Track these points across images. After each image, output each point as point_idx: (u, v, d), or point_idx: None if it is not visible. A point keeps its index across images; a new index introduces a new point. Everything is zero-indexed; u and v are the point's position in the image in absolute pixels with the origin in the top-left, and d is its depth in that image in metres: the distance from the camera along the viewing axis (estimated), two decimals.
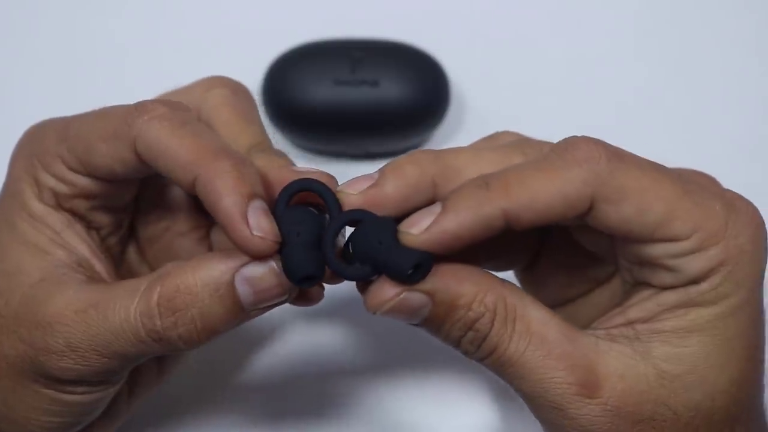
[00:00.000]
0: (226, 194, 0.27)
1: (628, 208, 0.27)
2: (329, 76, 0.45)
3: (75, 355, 0.29)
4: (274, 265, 0.27)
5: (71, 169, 0.31)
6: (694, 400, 0.28)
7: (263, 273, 0.28)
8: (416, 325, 0.29)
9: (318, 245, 0.28)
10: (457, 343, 0.29)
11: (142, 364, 0.32)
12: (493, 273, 0.29)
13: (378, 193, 0.28)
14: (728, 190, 0.29)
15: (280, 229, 0.27)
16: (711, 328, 0.28)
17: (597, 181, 0.27)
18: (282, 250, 0.27)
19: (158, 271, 0.29)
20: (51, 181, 0.31)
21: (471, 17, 0.52)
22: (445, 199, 0.28)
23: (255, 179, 0.28)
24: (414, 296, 0.27)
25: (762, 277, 0.28)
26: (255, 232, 0.27)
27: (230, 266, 0.28)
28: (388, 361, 0.41)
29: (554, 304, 0.33)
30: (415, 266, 0.27)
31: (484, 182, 0.27)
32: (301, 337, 0.42)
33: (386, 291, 0.27)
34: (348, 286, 0.30)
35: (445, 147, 0.30)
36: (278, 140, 0.47)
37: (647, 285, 0.29)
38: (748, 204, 0.28)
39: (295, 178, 0.29)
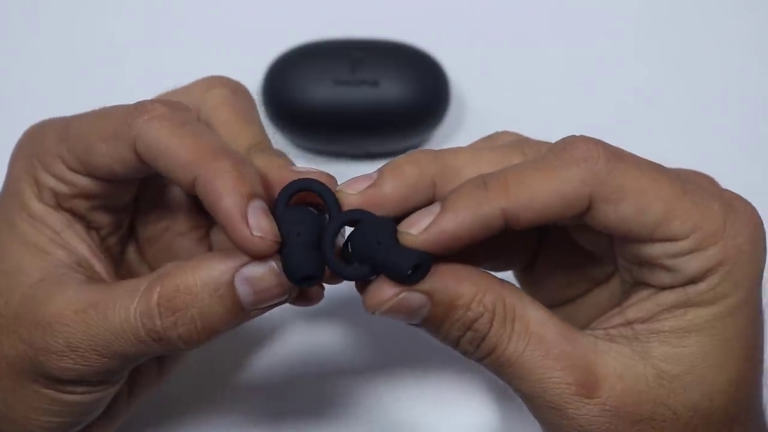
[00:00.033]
0: (226, 194, 0.27)
1: (626, 207, 0.27)
2: (329, 76, 0.45)
3: (75, 355, 0.29)
4: (274, 265, 0.28)
5: (71, 169, 0.31)
6: (693, 400, 0.28)
7: (263, 273, 0.28)
8: (415, 325, 0.29)
9: (318, 245, 0.28)
10: (456, 343, 0.29)
11: (142, 364, 0.32)
12: (492, 273, 0.29)
13: (377, 193, 0.28)
14: (727, 191, 0.29)
15: (279, 229, 0.27)
16: (709, 328, 0.28)
17: (595, 180, 0.27)
18: (282, 250, 0.27)
19: (158, 271, 0.29)
20: (51, 181, 0.31)
21: (471, 17, 0.52)
22: (444, 199, 0.28)
23: (255, 179, 0.28)
24: (413, 296, 0.27)
25: (760, 277, 0.28)
26: (255, 232, 0.27)
27: (230, 266, 0.28)
28: (387, 360, 0.41)
29: (553, 305, 0.34)
30: (414, 266, 0.27)
31: (482, 182, 0.27)
32: (300, 337, 0.42)
33: (385, 291, 0.27)
34: (347, 286, 0.30)
35: (445, 147, 0.30)
36: (278, 140, 0.47)
37: (646, 285, 0.29)
38: (747, 204, 0.28)
39: (295, 178, 0.29)
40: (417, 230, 0.27)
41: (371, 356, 0.42)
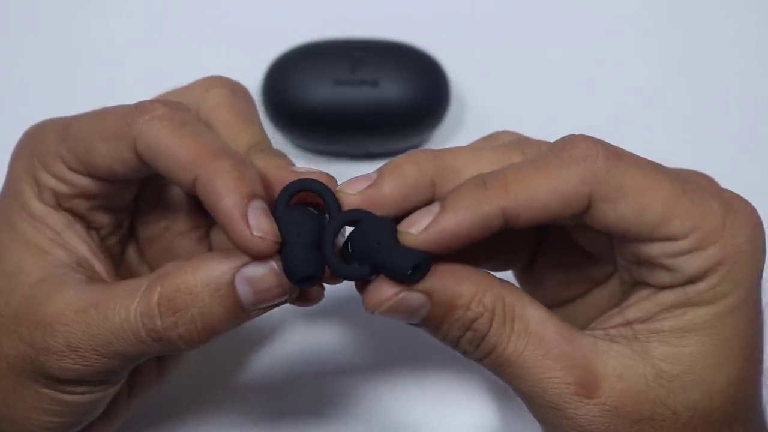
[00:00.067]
0: (226, 194, 0.27)
1: (626, 207, 0.27)
2: (329, 76, 0.45)
3: (75, 355, 0.29)
4: (274, 265, 0.28)
5: (71, 169, 0.31)
6: (693, 400, 0.28)
7: (263, 273, 0.28)
8: (415, 324, 0.29)
9: (318, 245, 0.28)
10: (455, 343, 0.29)
11: (142, 364, 0.32)
12: (492, 273, 0.29)
13: (376, 193, 0.28)
14: (726, 190, 0.29)
15: (280, 229, 0.27)
16: (709, 328, 0.28)
17: (595, 179, 0.27)
18: (282, 251, 0.27)
19: (158, 271, 0.29)
20: (51, 181, 0.31)
21: (471, 17, 0.52)
22: (443, 198, 0.28)
23: (255, 179, 0.28)
24: (412, 296, 0.27)
25: (760, 276, 0.28)
26: (255, 233, 0.27)
27: (231, 266, 0.28)
28: (386, 360, 0.41)
29: (553, 305, 0.34)
30: (414, 266, 0.27)
31: (482, 181, 0.27)
32: (300, 336, 0.42)
33: (384, 290, 0.27)
34: (347, 286, 0.30)
35: (444, 147, 0.30)
36: (278, 140, 0.47)
37: (645, 285, 0.29)
38: (746, 204, 0.28)
39: (295, 178, 0.29)
40: (417, 230, 0.27)
41: (371, 356, 0.42)
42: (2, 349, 0.30)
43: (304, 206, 0.29)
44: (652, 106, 0.49)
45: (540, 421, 0.29)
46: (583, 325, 0.30)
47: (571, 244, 0.32)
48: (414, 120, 0.46)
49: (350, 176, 0.29)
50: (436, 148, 0.30)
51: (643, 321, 0.29)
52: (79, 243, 0.32)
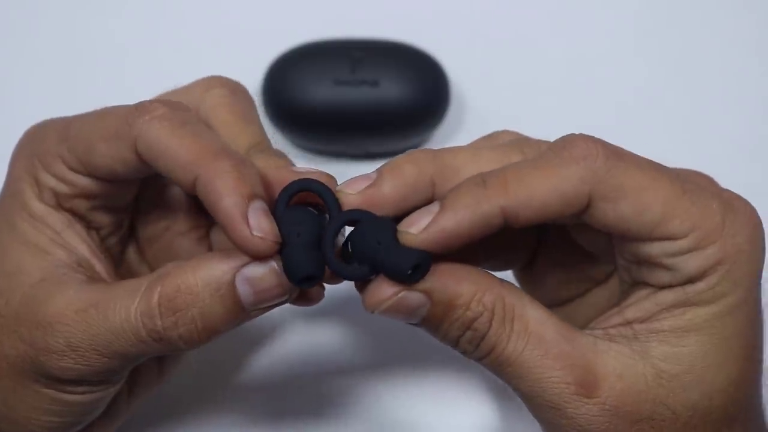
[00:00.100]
0: (227, 194, 0.27)
1: (625, 206, 0.27)
2: (329, 76, 0.45)
3: (75, 355, 0.29)
4: (274, 265, 0.28)
5: (72, 169, 0.31)
6: (692, 400, 0.28)
7: (264, 273, 0.28)
8: (415, 324, 0.29)
9: (318, 245, 0.28)
10: (455, 343, 0.29)
11: (142, 364, 0.32)
12: (492, 273, 0.29)
13: (376, 192, 0.28)
14: (726, 190, 0.29)
15: (280, 229, 0.27)
16: (708, 328, 0.28)
17: (594, 178, 0.27)
18: (282, 251, 0.27)
19: (158, 271, 0.29)
20: (51, 181, 0.31)
21: (471, 17, 0.52)
22: (443, 197, 0.28)
23: (255, 180, 0.28)
24: (412, 295, 0.27)
25: (759, 276, 0.28)
26: (255, 233, 0.27)
27: (231, 266, 0.28)
28: (386, 360, 0.41)
29: (552, 304, 0.34)
30: (414, 266, 0.27)
31: (481, 180, 0.27)
32: (300, 336, 0.42)
33: (384, 290, 0.27)
34: (347, 286, 0.30)
35: (444, 147, 0.30)
36: (278, 140, 0.47)
37: (645, 284, 0.29)
38: (746, 203, 0.28)
39: (295, 178, 0.29)
40: (417, 229, 0.27)
41: (371, 356, 0.42)
42: (2, 349, 0.30)
43: (304, 206, 0.29)
44: (652, 106, 0.49)
45: (540, 421, 0.29)
46: (583, 325, 0.30)
47: (570, 243, 0.32)
48: (414, 120, 0.46)
49: (350, 176, 0.29)
50: (435, 148, 0.30)
51: (642, 321, 0.29)
52: (80, 243, 0.32)
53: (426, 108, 0.46)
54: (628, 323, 0.29)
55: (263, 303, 0.28)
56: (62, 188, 0.31)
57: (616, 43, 0.51)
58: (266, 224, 0.27)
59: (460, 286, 0.28)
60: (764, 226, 0.29)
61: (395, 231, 0.28)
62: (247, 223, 0.27)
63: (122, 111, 0.30)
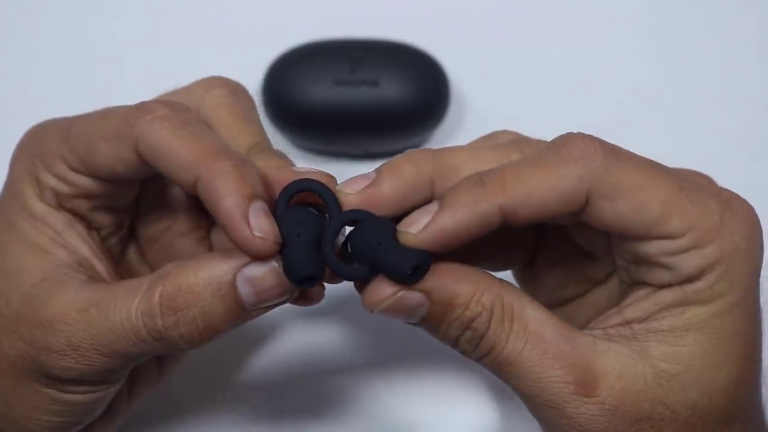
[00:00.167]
0: (227, 195, 0.27)
1: (623, 204, 0.27)
2: (329, 76, 0.45)
3: (76, 355, 0.29)
4: (275, 265, 0.28)
5: (73, 169, 0.31)
6: (691, 399, 0.28)
7: (264, 273, 0.28)
8: (414, 323, 0.29)
9: (318, 245, 0.28)
10: (454, 343, 0.29)
11: (142, 363, 0.32)
12: (491, 273, 0.29)
13: (375, 192, 0.28)
14: (724, 189, 0.29)
15: (280, 229, 0.27)
16: (707, 327, 0.28)
17: (592, 177, 0.27)
18: (282, 251, 0.27)
19: (159, 271, 0.29)
20: (52, 181, 0.31)
21: (471, 17, 0.52)
22: (441, 197, 0.28)
23: (256, 180, 0.28)
24: (411, 295, 0.27)
25: (758, 275, 0.28)
26: (256, 233, 0.27)
27: (232, 266, 0.28)
28: (386, 359, 0.41)
29: (552, 304, 0.34)
30: (414, 266, 0.27)
31: (480, 179, 0.28)
32: (300, 336, 0.42)
33: (383, 290, 0.27)
34: (347, 286, 0.30)
35: (444, 147, 0.30)
36: (278, 140, 0.47)
37: (644, 284, 0.29)
38: (744, 202, 0.29)
39: (295, 178, 0.29)
40: (416, 229, 0.27)
41: (370, 355, 0.42)
42: (3, 348, 0.30)
43: (304, 206, 0.29)
44: (652, 106, 0.49)
45: (539, 421, 0.29)
46: (583, 325, 0.30)
47: (569, 243, 0.32)
48: (414, 120, 0.46)
49: (350, 176, 0.29)
50: (435, 148, 0.30)
51: (641, 320, 0.29)
52: (80, 243, 0.32)
53: (426, 108, 0.46)
54: (628, 323, 0.29)
55: (264, 303, 0.28)
56: (63, 188, 0.31)
57: (616, 43, 0.51)
58: (267, 224, 0.27)
59: (459, 285, 0.28)
60: (764, 225, 0.29)
61: (395, 231, 0.28)
62: (248, 224, 0.27)
63: (123, 111, 0.30)
